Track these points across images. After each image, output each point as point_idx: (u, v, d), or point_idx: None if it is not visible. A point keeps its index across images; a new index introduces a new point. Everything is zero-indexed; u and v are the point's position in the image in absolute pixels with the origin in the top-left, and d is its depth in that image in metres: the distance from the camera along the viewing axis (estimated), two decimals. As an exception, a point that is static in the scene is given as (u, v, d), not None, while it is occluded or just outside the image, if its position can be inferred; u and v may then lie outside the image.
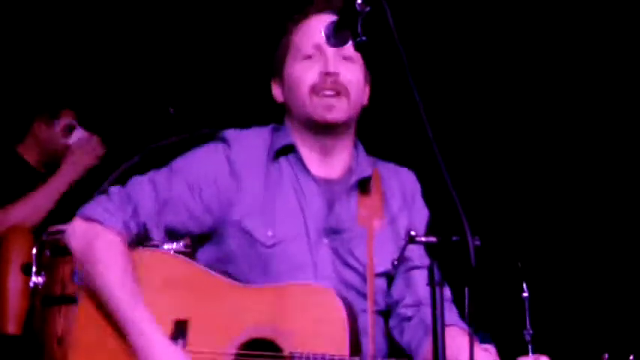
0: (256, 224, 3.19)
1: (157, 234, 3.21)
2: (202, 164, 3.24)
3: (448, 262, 2.85)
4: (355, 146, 3.39)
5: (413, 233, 2.65)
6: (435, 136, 2.77)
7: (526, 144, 6.55)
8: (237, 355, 3.09)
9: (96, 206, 3.18)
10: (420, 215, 3.29)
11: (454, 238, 2.58)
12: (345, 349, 3.01)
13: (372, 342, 3.19)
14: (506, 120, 6.57)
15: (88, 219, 3.15)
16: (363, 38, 2.76)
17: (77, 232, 3.20)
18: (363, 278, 3.23)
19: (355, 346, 3.05)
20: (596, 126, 6.46)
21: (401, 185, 3.40)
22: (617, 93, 6.41)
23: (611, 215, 6.37)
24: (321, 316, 3.06)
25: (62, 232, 4.46)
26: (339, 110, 3.21)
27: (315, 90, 3.20)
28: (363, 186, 3.31)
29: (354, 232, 3.26)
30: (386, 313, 3.33)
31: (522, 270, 4.55)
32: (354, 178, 3.27)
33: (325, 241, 3.23)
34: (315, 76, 3.19)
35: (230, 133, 3.27)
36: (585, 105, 6.49)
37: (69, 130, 5.33)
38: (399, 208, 3.34)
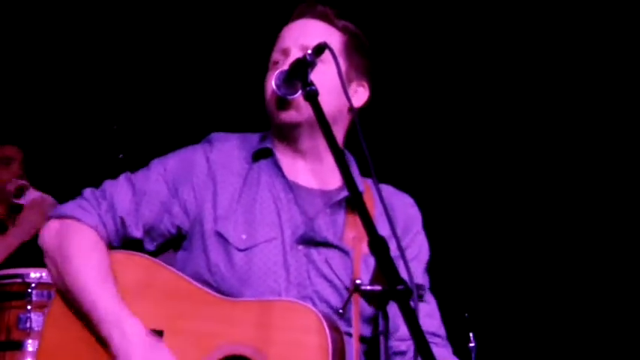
0: (230, 227, 3.12)
1: (136, 231, 3.11)
2: (181, 163, 3.17)
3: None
4: (349, 157, 3.32)
5: (358, 282, 2.59)
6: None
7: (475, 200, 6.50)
8: None
9: (70, 205, 3.12)
10: (416, 249, 3.22)
11: (399, 287, 2.52)
12: None
13: None
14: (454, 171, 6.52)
15: (62, 217, 3.08)
16: (313, 87, 2.78)
17: (51, 231, 3.12)
18: (339, 294, 3.15)
19: None
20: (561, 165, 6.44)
21: (393, 210, 3.27)
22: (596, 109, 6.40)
23: (555, 268, 6.37)
24: (302, 339, 2.98)
25: (8, 277, 4.71)
26: (295, 111, 3.12)
27: (273, 93, 3.16)
28: (353, 205, 3.20)
29: (336, 247, 3.18)
30: (370, 341, 3.22)
31: (469, 321, 4.66)
32: (342, 194, 3.16)
33: (300, 247, 3.15)
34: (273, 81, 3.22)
35: (216, 136, 3.23)
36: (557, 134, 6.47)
37: (21, 191, 5.35)
38: (389, 235, 3.10)
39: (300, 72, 2.82)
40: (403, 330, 3.09)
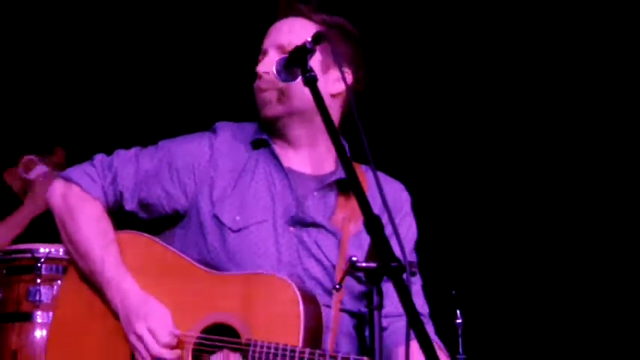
0: (225, 209, 3.29)
1: (130, 205, 3.32)
2: (186, 148, 3.34)
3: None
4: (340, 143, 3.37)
5: (354, 259, 2.72)
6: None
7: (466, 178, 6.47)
8: (200, 338, 3.21)
9: (78, 169, 3.31)
10: (409, 233, 3.37)
11: (393, 264, 2.63)
12: (297, 342, 3.12)
13: (332, 338, 3.30)
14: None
15: (69, 180, 3.29)
16: (312, 74, 2.89)
17: (57, 191, 3.33)
18: (327, 273, 3.32)
19: (313, 341, 3.17)
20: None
21: (384, 195, 3.38)
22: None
23: (542, 243, 6.32)
24: (279, 309, 3.16)
25: (18, 252, 4.93)
26: (271, 106, 3.30)
27: (255, 90, 3.34)
28: (344, 187, 3.38)
29: (325, 228, 3.35)
30: (359, 316, 3.41)
31: (456, 298, 4.66)
32: (333, 178, 3.34)
33: (291, 229, 3.32)
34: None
35: (221, 124, 3.40)
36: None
37: (29, 166, 5.49)
38: (380, 213, 3.34)
39: (299, 59, 2.92)
40: (389, 305, 3.21)
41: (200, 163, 3.31)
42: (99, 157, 3.34)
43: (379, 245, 2.65)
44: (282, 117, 3.30)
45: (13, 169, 5.57)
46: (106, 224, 3.29)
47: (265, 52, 3.32)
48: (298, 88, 3.21)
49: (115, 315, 3.25)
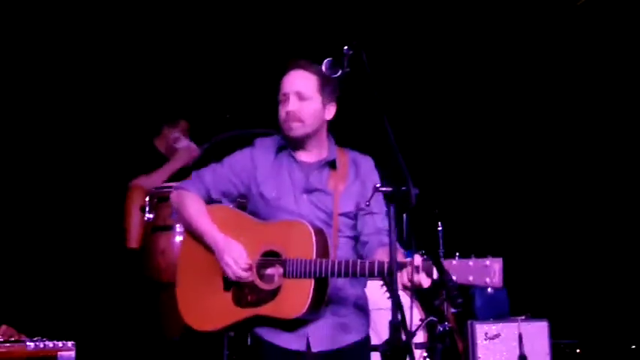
0: (266, 189, 4.20)
1: (215, 195, 4.24)
2: (238, 159, 4.27)
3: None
4: (329, 140, 4.25)
5: (378, 185, 3.43)
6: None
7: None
8: (260, 260, 4.13)
9: (184, 182, 4.32)
10: (371, 184, 3.81)
11: (402, 188, 3.35)
12: (312, 255, 3.95)
13: (334, 252, 4.10)
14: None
15: (180, 188, 4.29)
16: (348, 70, 3.59)
17: (174, 194, 4.32)
18: (328, 216, 4.14)
19: (323, 254, 3.98)
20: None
21: (358, 165, 4.22)
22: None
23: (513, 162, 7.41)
24: (301, 238, 4.00)
25: (164, 188, 5.89)
26: (297, 130, 4.13)
27: (284, 120, 4.16)
28: (332, 164, 4.18)
29: (324, 192, 4.17)
30: (355, 239, 4.21)
31: (438, 214, 6.17)
32: (323, 162, 4.16)
33: (304, 196, 4.17)
34: (283, 113, 4.13)
35: (258, 140, 4.28)
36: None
37: (177, 140, 6.65)
38: (353, 179, 4.18)
39: (340, 61, 3.62)
40: (366, 230, 4.16)
41: (247, 165, 4.24)
42: (193, 173, 4.29)
43: (396, 171, 3.32)
44: (301, 136, 4.19)
45: (161, 138, 6.77)
46: (200, 205, 4.22)
47: (286, 96, 4.12)
48: (309, 119, 4.13)
49: (212, 252, 4.15)
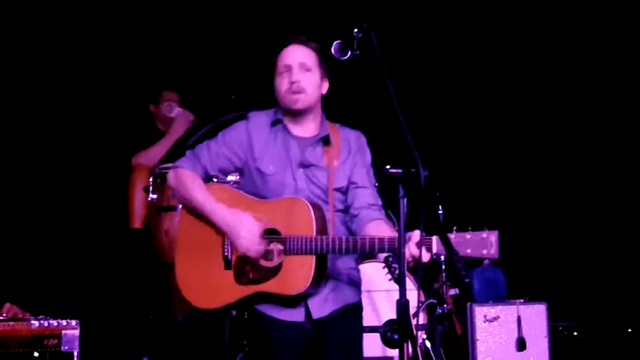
0: (263, 164, 4.23)
1: (212, 171, 4.26)
2: (233, 134, 4.29)
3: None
4: (322, 117, 4.30)
5: (387, 167, 3.44)
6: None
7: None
8: (261, 236, 4.15)
9: (180, 161, 4.31)
10: (360, 162, 4.17)
11: (412, 170, 3.38)
12: (312, 233, 4.02)
13: (332, 227, 4.17)
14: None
15: (176, 167, 4.28)
16: (357, 52, 3.67)
17: (171, 174, 4.32)
18: (324, 191, 4.21)
19: (321, 231, 4.06)
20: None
21: (350, 141, 4.29)
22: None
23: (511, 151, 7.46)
24: (300, 215, 4.07)
25: (167, 168, 5.36)
26: (301, 102, 4.17)
27: (287, 91, 4.18)
28: (327, 140, 4.25)
29: (319, 167, 4.22)
30: (345, 212, 4.28)
31: (439, 197, 5.89)
32: (318, 137, 4.23)
33: (300, 170, 4.22)
34: (286, 84, 4.17)
35: (252, 114, 4.30)
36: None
37: (170, 108, 6.56)
38: (346, 155, 4.25)
39: (349, 43, 3.70)
40: (356, 204, 4.23)
41: (243, 139, 4.27)
42: (188, 152, 4.27)
43: (406, 150, 3.33)
44: (304, 108, 4.24)
45: (158, 107, 6.63)
46: (200, 183, 4.24)
47: (289, 67, 4.19)
48: (312, 90, 4.20)
49: (212, 231, 4.18)
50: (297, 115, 4.21)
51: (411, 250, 3.62)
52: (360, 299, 4.28)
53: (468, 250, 3.62)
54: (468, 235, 3.61)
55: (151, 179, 5.95)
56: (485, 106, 7.68)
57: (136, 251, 6.09)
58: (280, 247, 4.05)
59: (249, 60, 7.07)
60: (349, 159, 4.23)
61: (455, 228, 3.64)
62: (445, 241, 3.50)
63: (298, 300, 4.07)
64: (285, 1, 7.38)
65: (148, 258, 5.85)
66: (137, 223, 6.25)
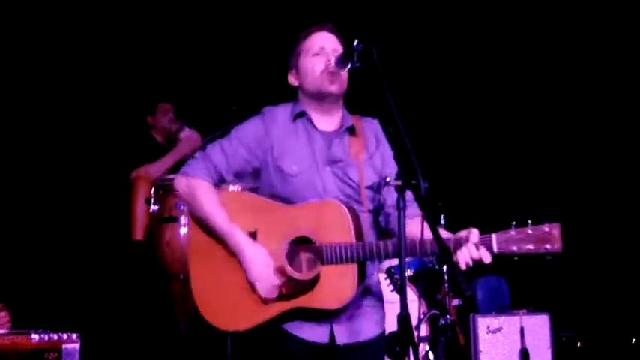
0: (285, 163, 3.83)
1: (227, 176, 3.89)
2: (249, 131, 3.89)
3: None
4: (344, 110, 4.02)
5: (388, 179, 3.43)
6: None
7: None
8: (289, 248, 3.75)
9: (190, 166, 3.90)
10: (388, 153, 3.80)
11: (413, 182, 3.27)
12: (352, 239, 3.67)
13: (368, 230, 3.84)
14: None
15: (186, 174, 3.89)
16: (357, 64, 3.53)
17: (182, 183, 3.89)
18: (356, 190, 3.83)
19: (359, 236, 3.71)
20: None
21: (373, 131, 3.96)
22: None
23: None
24: (336, 221, 3.69)
25: (169, 180, 5.80)
26: (339, 84, 3.84)
27: (324, 72, 3.82)
28: (352, 131, 3.92)
29: (348, 162, 3.85)
30: (374, 212, 3.92)
31: (441, 206, 6.20)
32: (343, 128, 3.89)
33: (328, 169, 3.84)
34: (322, 64, 3.83)
35: (267, 108, 3.94)
36: None
37: (180, 129, 6.65)
38: (374, 148, 3.92)
39: (349, 55, 3.58)
40: (392, 200, 3.90)
41: (260, 136, 3.88)
42: (198, 154, 3.93)
43: (404, 160, 3.26)
44: (341, 93, 3.92)
45: (156, 129, 6.77)
46: (215, 195, 3.83)
47: (323, 49, 3.89)
48: (345, 79, 3.89)
49: (229, 251, 3.80)
50: (326, 102, 3.90)
51: (470, 252, 3.41)
52: (384, 330, 3.96)
53: (530, 246, 3.43)
54: (529, 230, 3.42)
55: (152, 191, 5.95)
56: (485, 114, 7.70)
57: (137, 263, 6.07)
58: (312, 256, 3.72)
59: (249, 71, 7.22)
60: (377, 152, 3.95)
61: (514, 223, 3.44)
62: (446, 252, 3.35)
63: (325, 316, 3.73)
64: (283, 10, 7.40)
65: (150, 269, 5.83)
66: (139, 234, 6.29)
